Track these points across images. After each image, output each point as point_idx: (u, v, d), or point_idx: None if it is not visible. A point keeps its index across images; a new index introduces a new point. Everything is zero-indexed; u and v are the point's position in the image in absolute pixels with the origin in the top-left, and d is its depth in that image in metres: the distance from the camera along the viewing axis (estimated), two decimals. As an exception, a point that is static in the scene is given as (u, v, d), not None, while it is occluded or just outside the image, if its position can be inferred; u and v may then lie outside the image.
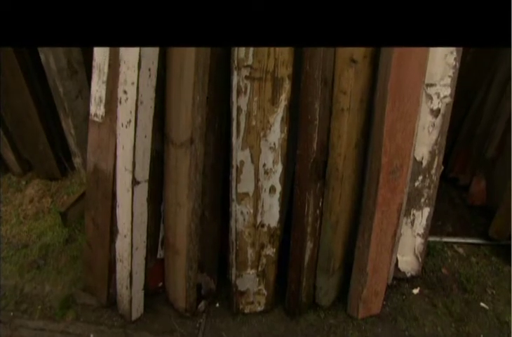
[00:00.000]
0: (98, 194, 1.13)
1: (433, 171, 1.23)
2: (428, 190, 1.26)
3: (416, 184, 1.24)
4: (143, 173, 1.03)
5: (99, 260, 1.20)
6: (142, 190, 1.06)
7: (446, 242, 1.55)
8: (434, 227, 1.53)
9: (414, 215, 1.30)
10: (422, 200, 1.28)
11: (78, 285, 1.32)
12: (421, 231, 1.33)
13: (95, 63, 0.99)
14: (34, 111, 1.50)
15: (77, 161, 1.66)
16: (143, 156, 1.01)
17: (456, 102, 1.15)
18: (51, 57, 1.36)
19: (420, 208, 1.29)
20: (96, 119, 1.04)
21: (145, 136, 0.99)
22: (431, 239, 1.50)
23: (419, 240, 1.34)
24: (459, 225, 1.63)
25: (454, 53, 1.04)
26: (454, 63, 1.05)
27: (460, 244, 1.55)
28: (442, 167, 1.26)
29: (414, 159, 1.18)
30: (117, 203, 1.08)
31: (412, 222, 1.31)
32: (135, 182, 1.02)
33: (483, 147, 1.58)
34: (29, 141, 1.61)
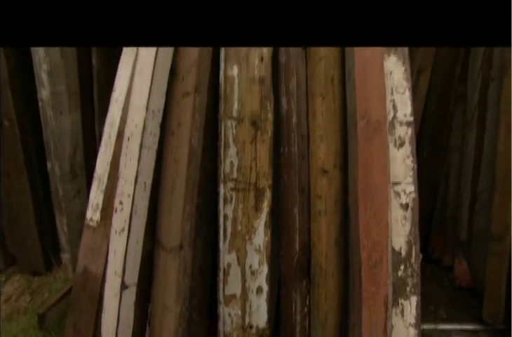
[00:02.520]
0: (84, 297, 1.12)
1: (412, 260, 1.29)
2: (412, 279, 1.29)
3: (399, 273, 1.28)
4: (132, 276, 1.06)
5: (77, 370, 1.13)
6: (130, 294, 1.06)
7: (442, 330, 1.50)
8: (427, 313, 1.51)
9: (402, 304, 1.30)
10: (408, 289, 1.29)
11: None
12: (412, 321, 1.31)
13: (95, 174, 1.10)
14: (31, 210, 1.57)
15: (66, 256, 1.66)
16: (134, 261, 1.05)
17: (424, 195, 1.28)
18: (56, 165, 1.51)
19: (407, 298, 1.30)
20: (91, 223, 1.10)
21: (137, 242, 1.04)
22: (426, 327, 1.46)
23: (413, 331, 1.31)
24: (451, 309, 1.60)
25: (411, 157, 1.21)
26: (412, 165, 1.21)
27: (457, 332, 1.50)
28: (421, 255, 1.32)
29: (393, 249, 1.25)
30: (103, 308, 1.07)
31: (402, 312, 1.30)
32: (123, 286, 1.04)
33: (456, 231, 1.69)
34: (19, 237, 1.63)
